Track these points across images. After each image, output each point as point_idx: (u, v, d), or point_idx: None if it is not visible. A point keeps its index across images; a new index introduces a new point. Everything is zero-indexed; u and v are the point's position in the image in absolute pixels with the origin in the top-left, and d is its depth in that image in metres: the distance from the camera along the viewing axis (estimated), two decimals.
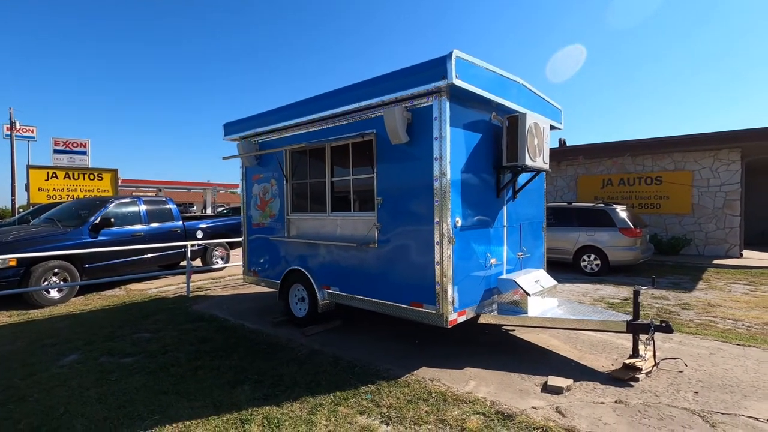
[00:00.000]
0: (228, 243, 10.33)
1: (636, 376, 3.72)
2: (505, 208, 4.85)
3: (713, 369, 3.99)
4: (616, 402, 3.34)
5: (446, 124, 3.89)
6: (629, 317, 4.05)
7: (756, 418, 3.07)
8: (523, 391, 3.55)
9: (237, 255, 12.56)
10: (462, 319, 4.14)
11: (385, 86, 4.17)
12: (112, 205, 8.20)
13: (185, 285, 8.41)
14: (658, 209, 12.62)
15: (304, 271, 5.29)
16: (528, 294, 4.31)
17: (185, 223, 9.47)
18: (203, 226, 9.92)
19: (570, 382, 3.58)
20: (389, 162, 4.39)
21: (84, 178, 14.29)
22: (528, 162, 4.42)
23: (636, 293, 4.00)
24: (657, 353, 4.06)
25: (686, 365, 4.03)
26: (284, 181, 5.65)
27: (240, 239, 10.30)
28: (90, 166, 18.49)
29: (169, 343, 4.99)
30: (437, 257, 3.96)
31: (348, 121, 4.75)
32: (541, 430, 2.91)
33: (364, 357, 4.35)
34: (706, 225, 12.04)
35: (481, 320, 4.44)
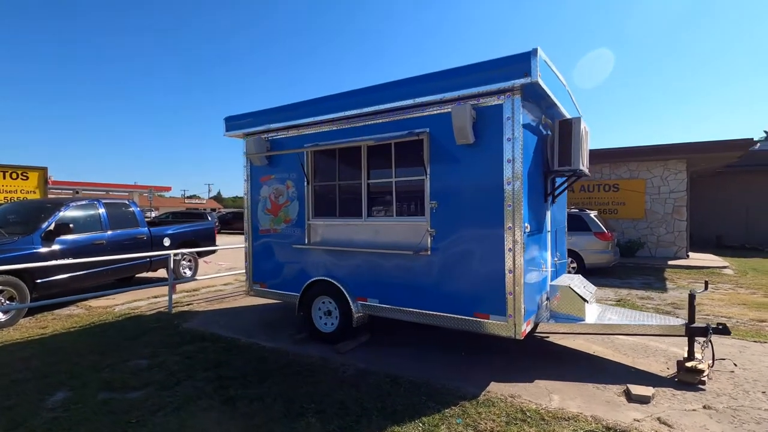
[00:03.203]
0: (198, 252, 9.33)
1: (702, 378, 3.77)
2: (548, 212, 4.77)
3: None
4: (704, 408, 3.32)
5: (519, 125, 3.70)
6: (685, 321, 4.12)
7: None
8: (611, 402, 3.43)
9: (204, 265, 11.63)
10: (528, 329, 3.96)
11: (450, 82, 3.89)
12: (68, 208, 7.00)
13: (159, 300, 7.43)
14: (615, 214, 13.55)
15: (334, 281, 4.80)
16: (585, 301, 4.24)
17: (151, 229, 8.38)
18: (170, 232, 8.86)
19: (653, 390, 3.52)
20: (446, 163, 4.09)
21: (5, 177, 12.13)
22: (580, 166, 4.38)
23: (692, 297, 4.08)
24: (706, 354, 4.15)
25: (736, 365, 4.18)
26: (305, 183, 5.11)
27: (210, 248, 9.46)
28: None
29: (177, 370, 4.26)
30: (509, 265, 3.73)
31: (392, 118, 4.39)
32: None
33: (421, 374, 3.99)
34: (657, 229, 13.13)
35: (541, 329, 4.29)
